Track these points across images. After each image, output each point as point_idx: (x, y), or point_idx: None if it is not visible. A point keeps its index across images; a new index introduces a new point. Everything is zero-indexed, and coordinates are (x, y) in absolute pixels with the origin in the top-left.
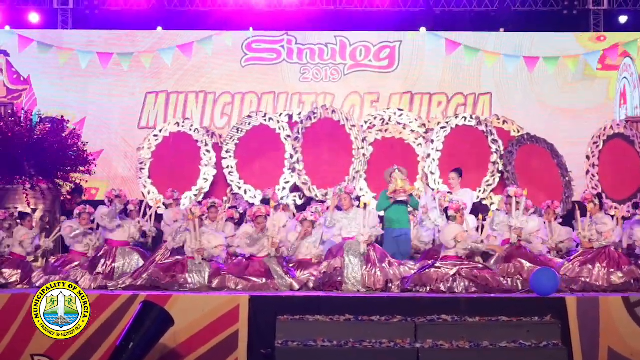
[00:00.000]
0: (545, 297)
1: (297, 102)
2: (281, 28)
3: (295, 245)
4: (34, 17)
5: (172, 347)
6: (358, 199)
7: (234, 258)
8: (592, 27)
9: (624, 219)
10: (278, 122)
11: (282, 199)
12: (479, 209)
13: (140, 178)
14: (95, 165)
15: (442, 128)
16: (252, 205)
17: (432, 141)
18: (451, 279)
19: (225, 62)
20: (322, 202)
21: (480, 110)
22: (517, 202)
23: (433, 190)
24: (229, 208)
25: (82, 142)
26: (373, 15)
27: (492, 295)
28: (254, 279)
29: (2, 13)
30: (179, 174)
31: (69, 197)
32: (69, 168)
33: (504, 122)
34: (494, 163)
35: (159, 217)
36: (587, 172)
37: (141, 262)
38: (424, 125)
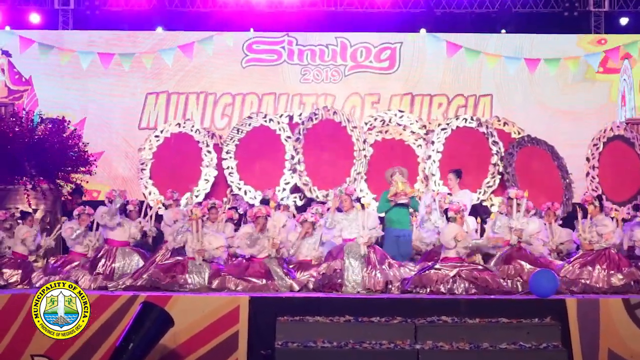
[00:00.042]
0: (545, 299)
1: (297, 103)
2: (282, 29)
3: (296, 244)
4: (34, 18)
5: (172, 347)
6: (358, 200)
7: (234, 259)
8: (592, 28)
9: (624, 220)
10: (278, 123)
11: (282, 200)
12: (479, 211)
13: (141, 179)
14: (96, 166)
15: (442, 129)
16: (252, 206)
17: (433, 142)
18: (451, 280)
19: (225, 63)
20: (323, 203)
21: (481, 111)
22: (518, 204)
23: (433, 191)
24: (229, 209)
25: (83, 143)
26: (374, 16)
27: (492, 296)
28: (254, 280)
29: (3, 13)
30: (179, 174)
31: (69, 197)
32: (69, 168)
33: (505, 123)
34: (495, 164)
35: (159, 218)
36: (587, 174)
37: (141, 263)
38: (424, 126)
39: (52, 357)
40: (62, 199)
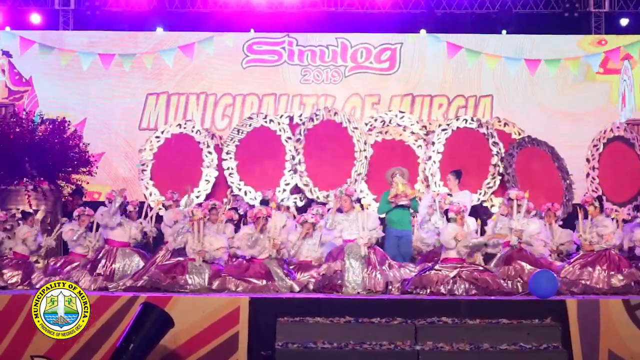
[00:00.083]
0: (545, 300)
1: (297, 104)
2: (282, 30)
3: (296, 245)
4: (35, 18)
5: (172, 348)
6: (359, 201)
7: (234, 260)
8: (593, 29)
9: (625, 221)
10: (279, 123)
11: (282, 200)
12: (479, 212)
13: (142, 179)
14: (97, 167)
15: (443, 130)
16: (252, 206)
17: (433, 143)
18: (451, 281)
19: (226, 64)
20: (324, 204)
21: (481, 112)
22: (519, 205)
23: (433, 192)
24: (229, 209)
25: (84, 144)
26: (374, 17)
27: (493, 297)
28: (254, 281)
29: (3, 14)
30: (180, 175)
31: (70, 198)
32: (70, 169)
33: (505, 124)
34: (495, 165)
35: (159, 219)
36: (587, 175)
37: (141, 264)
38: (424, 127)
39: (52, 358)
40: (63, 199)
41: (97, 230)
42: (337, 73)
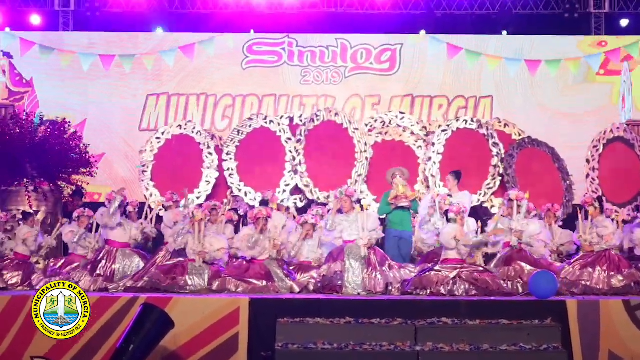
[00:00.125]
0: (545, 300)
1: (298, 105)
2: (282, 30)
3: (297, 246)
4: (35, 19)
5: (173, 349)
6: (359, 201)
7: (234, 260)
8: (593, 30)
9: (625, 222)
10: (279, 124)
11: (282, 201)
12: (479, 212)
13: (142, 180)
14: (97, 168)
15: (443, 131)
16: (252, 207)
17: (433, 144)
18: (451, 281)
19: (226, 65)
20: (324, 204)
21: (481, 113)
22: (519, 205)
23: (433, 193)
24: (229, 210)
25: (84, 144)
26: (374, 17)
27: (493, 298)
28: (255, 282)
29: (3, 15)
30: (180, 176)
31: (70, 199)
32: (70, 170)
33: (505, 125)
34: (495, 166)
35: (158, 219)
36: (587, 175)
37: (142, 264)
38: (425, 128)
39: (52, 359)
40: (63, 200)
41: (96, 231)
42: (337, 74)
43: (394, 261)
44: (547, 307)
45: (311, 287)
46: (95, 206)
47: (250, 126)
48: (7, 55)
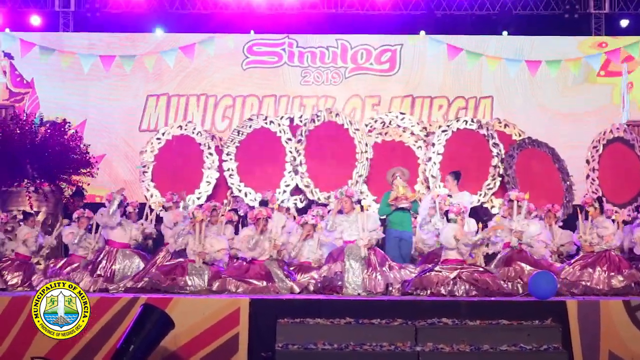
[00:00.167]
0: (546, 301)
1: (298, 105)
2: (282, 31)
3: (297, 247)
4: (35, 20)
5: (173, 349)
6: (359, 202)
7: (234, 261)
8: (593, 30)
9: (625, 222)
10: (279, 125)
11: (282, 202)
12: (479, 213)
13: (143, 181)
14: (98, 168)
15: (443, 131)
16: (252, 208)
17: (433, 144)
18: (452, 282)
19: (226, 65)
20: (325, 205)
21: (481, 113)
22: (519, 206)
23: (433, 193)
24: (229, 211)
25: (85, 145)
26: (374, 18)
27: (493, 298)
28: (255, 282)
29: (3, 15)
30: (181, 176)
31: (71, 199)
32: (71, 170)
33: (505, 125)
34: (495, 166)
35: (158, 220)
36: (587, 176)
37: (142, 265)
38: (425, 128)
39: None
40: (64, 201)
41: (96, 231)
42: (337, 74)
43: (394, 262)
44: (547, 307)
45: (311, 288)
46: (95, 207)
47: (250, 127)
48: (8, 56)
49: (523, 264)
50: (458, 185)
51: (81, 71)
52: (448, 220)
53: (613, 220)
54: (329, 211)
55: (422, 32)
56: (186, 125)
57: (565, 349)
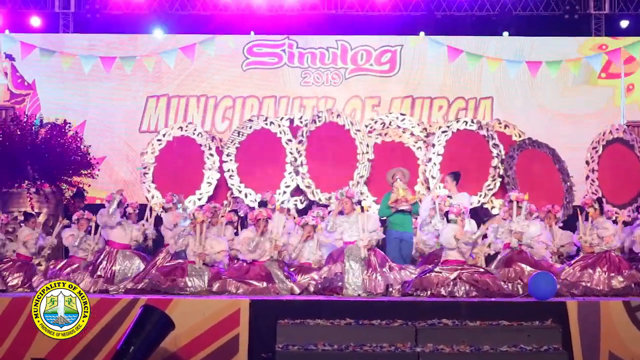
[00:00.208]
0: (546, 302)
1: (298, 106)
2: (282, 32)
3: (297, 247)
4: (35, 21)
5: (173, 350)
6: (359, 203)
7: (235, 262)
8: (593, 31)
9: (625, 223)
10: (279, 126)
11: (282, 202)
12: (479, 213)
13: (143, 182)
14: (99, 169)
15: (443, 132)
16: (252, 209)
17: (434, 145)
18: (452, 283)
19: (226, 66)
20: (325, 206)
21: (482, 114)
22: (519, 207)
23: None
24: (229, 212)
25: (85, 146)
26: (374, 19)
27: (493, 299)
28: (255, 283)
29: (3, 16)
30: (182, 177)
31: (72, 201)
32: (71, 172)
33: (506, 126)
34: (495, 167)
35: (158, 221)
36: (587, 177)
37: (142, 266)
38: (425, 129)
39: None
40: (64, 202)
41: (95, 232)
42: (337, 75)
43: (394, 262)
44: (548, 308)
45: (311, 289)
46: (95, 208)
47: (250, 127)
48: (9, 57)
49: (523, 265)
50: (457, 186)
51: (82, 72)
52: (448, 221)
53: (614, 221)
54: (329, 212)
55: (422, 33)
56: (187, 126)
57: (565, 349)
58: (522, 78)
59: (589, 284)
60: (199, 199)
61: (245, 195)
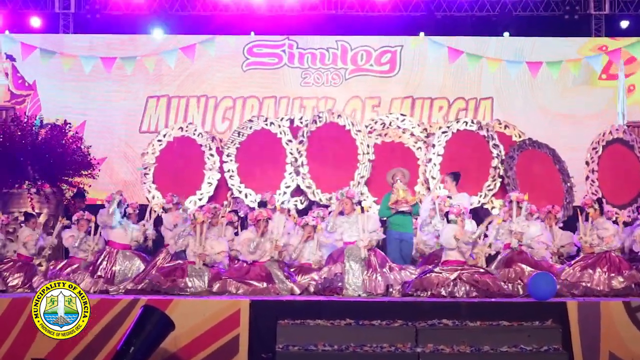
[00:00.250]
0: (546, 302)
1: (298, 107)
2: (282, 32)
3: (298, 248)
4: (35, 22)
5: (173, 351)
6: (359, 203)
7: (235, 262)
8: (593, 32)
9: (625, 224)
10: (279, 126)
11: (282, 203)
12: (479, 214)
13: (144, 183)
14: (99, 170)
15: (443, 132)
16: (252, 209)
17: (434, 146)
18: (452, 283)
19: (226, 67)
20: (326, 206)
21: (482, 115)
22: (519, 207)
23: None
24: (230, 212)
25: (85, 146)
26: (374, 19)
27: (493, 299)
28: (255, 283)
29: (3, 17)
30: (182, 178)
31: (72, 201)
32: (71, 172)
33: (506, 126)
34: (495, 168)
35: (158, 221)
36: (587, 177)
37: (142, 267)
38: (425, 130)
39: None
40: (65, 202)
41: (95, 233)
42: (337, 76)
43: (394, 263)
44: (548, 308)
45: (312, 289)
46: (95, 209)
47: (250, 128)
48: (10, 57)
49: (523, 265)
50: (457, 186)
51: (82, 73)
52: (448, 222)
53: (615, 222)
54: (329, 212)
55: (422, 34)
56: (187, 126)
57: (565, 350)
58: (522, 78)
59: (589, 285)
60: (200, 199)
61: (246, 196)
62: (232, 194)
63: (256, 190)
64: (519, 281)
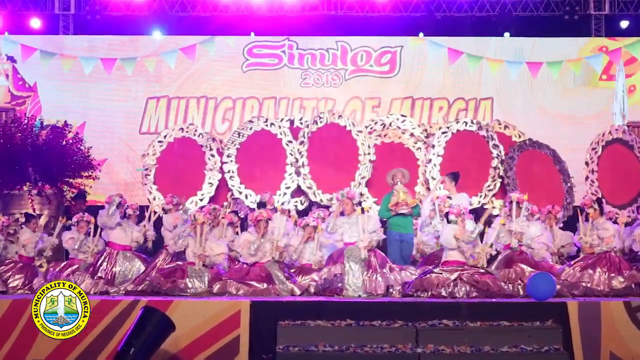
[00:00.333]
0: (546, 302)
1: (298, 107)
2: (282, 33)
3: (298, 249)
4: (35, 23)
5: (174, 352)
6: (360, 204)
7: (235, 263)
8: (593, 32)
9: (625, 224)
10: (279, 127)
11: (282, 204)
12: (479, 214)
13: (145, 184)
14: (100, 170)
15: (443, 133)
16: (252, 210)
17: (433, 146)
18: (452, 283)
19: (226, 67)
20: (327, 207)
21: (482, 115)
22: (519, 208)
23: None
24: (230, 212)
25: (86, 147)
26: (374, 20)
27: (493, 300)
28: (255, 284)
29: (3, 18)
30: (183, 179)
31: (73, 202)
32: (72, 173)
33: (505, 127)
34: (495, 168)
35: (158, 222)
36: (587, 178)
37: (142, 268)
38: (425, 130)
39: None
40: (66, 203)
41: (95, 234)
42: (337, 76)
43: (394, 263)
44: (548, 308)
45: (312, 290)
46: (95, 210)
47: (250, 129)
48: (11, 59)
49: (524, 266)
50: (457, 187)
51: (82, 74)
52: (448, 222)
53: (615, 222)
54: (329, 213)
55: (421, 34)
56: (187, 127)
57: (566, 350)
58: (522, 79)
59: (589, 285)
60: (201, 200)
61: (246, 197)
62: (232, 194)
63: (256, 191)
64: (519, 281)
